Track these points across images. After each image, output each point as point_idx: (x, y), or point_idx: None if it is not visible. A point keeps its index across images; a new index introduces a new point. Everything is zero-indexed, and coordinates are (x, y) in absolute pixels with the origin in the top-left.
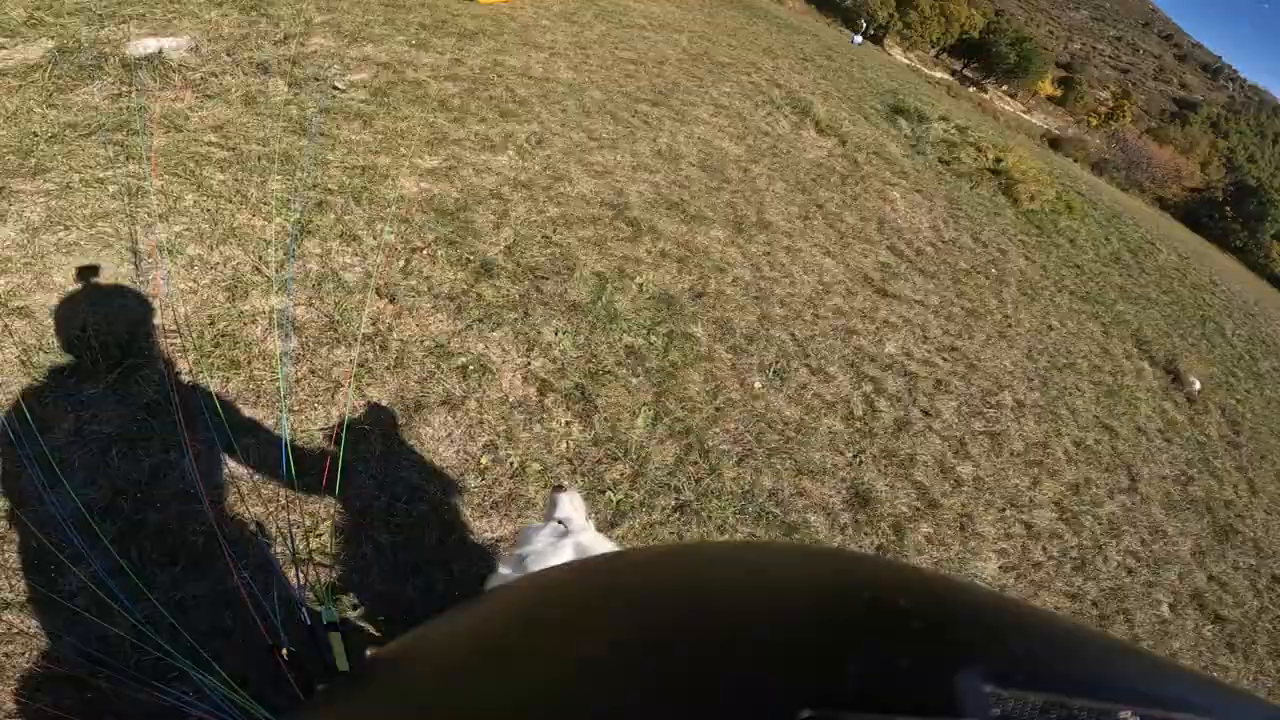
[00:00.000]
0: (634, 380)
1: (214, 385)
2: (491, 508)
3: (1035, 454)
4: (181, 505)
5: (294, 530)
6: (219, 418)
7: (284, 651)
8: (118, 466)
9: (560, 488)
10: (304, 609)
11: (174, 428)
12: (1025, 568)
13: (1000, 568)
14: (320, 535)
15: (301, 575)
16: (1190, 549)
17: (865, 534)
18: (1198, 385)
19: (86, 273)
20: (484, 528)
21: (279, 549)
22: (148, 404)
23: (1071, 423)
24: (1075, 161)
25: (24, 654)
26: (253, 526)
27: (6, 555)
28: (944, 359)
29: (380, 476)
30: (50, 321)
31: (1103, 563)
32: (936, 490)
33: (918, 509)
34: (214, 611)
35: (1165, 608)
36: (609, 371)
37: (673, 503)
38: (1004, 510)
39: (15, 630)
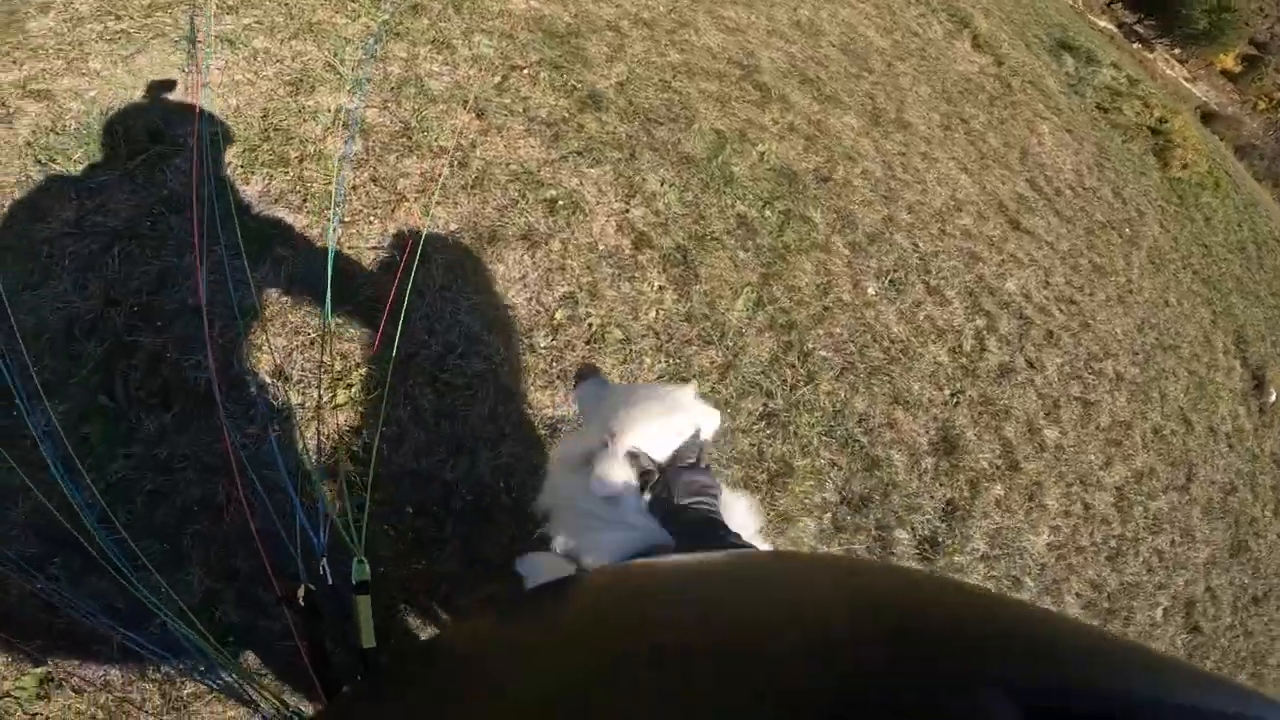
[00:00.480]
0: (741, 254)
1: (254, 183)
2: (559, 377)
3: (1118, 433)
4: (186, 328)
5: (321, 375)
6: (251, 219)
7: (299, 594)
8: (117, 269)
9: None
10: (324, 559)
11: (192, 228)
12: (1069, 550)
13: (1047, 545)
14: (350, 386)
15: (328, 490)
16: (1205, 558)
17: (940, 484)
18: (1274, 397)
19: (128, 59)
20: (544, 402)
21: (297, 405)
22: (168, 197)
23: (1159, 408)
24: (1222, 141)
25: None
26: (267, 374)
27: None
28: (1061, 310)
29: (434, 317)
30: (73, 105)
31: (1133, 557)
32: (1020, 451)
33: (998, 468)
34: (204, 484)
35: (1160, 611)
36: (716, 238)
37: (760, 408)
38: (1071, 485)
39: None
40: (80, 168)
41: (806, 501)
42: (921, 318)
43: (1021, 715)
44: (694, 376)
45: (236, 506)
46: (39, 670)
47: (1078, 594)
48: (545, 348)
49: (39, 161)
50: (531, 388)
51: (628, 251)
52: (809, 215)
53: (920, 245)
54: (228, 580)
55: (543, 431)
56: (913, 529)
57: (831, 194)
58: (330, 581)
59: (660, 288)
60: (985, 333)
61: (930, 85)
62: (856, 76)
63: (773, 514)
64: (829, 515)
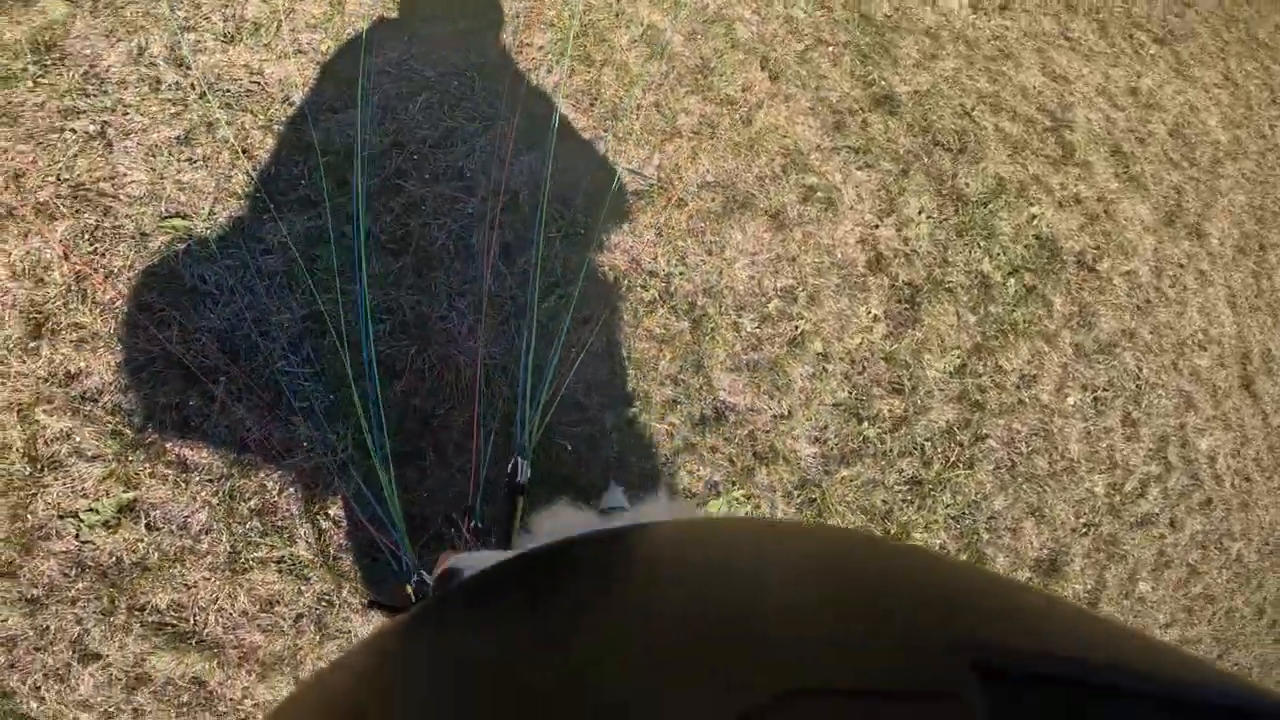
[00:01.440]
0: (968, 316)
1: (555, 73)
2: (748, 366)
3: (1199, 603)
4: (448, 187)
5: (537, 276)
6: (540, 105)
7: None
8: (414, 115)
9: None
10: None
11: (491, 99)
12: None
13: None
14: (564, 297)
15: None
16: None
17: None
18: None
19: None
20: (723, 382)
21: (512, 296)
22: (483, 65)
23: (1250, 593)
24: None
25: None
26: (496, 254)
27: (221, 169)
28: (1233, 484)
29: (662, 259)
30: None
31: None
32: (1107, 594)
33: (1078, 601)
34: (399, 339)
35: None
36: (950, 289)
37: (912, 473)
38: None
39: (169, 252)
40: (420, 17)
41: None
42: (1103, 445)
43: (979, 677)
44: (865, 419)
45: (415, 376)
46: (128, 495)
47: None
48: (749, 332)
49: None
50: (720, 365)
51: (860, 269)
52: (1050, 299)
53: (1144, 372)
54: (366, 454)
55: (709, 413)
56: None
57: (1085, 284)
58: (518, 478)
59: (875, 318)
60: (1152, 482)
61: (1248, 195)
62: (1174, 165)
63: None
64: None
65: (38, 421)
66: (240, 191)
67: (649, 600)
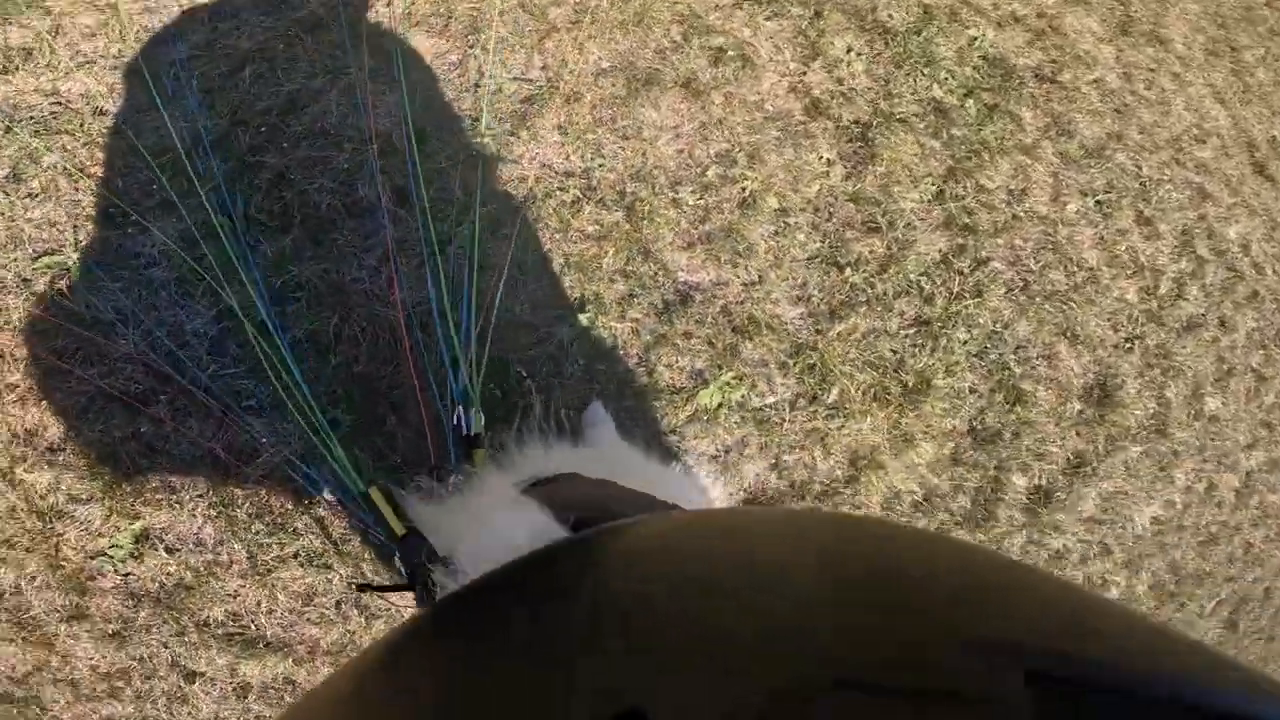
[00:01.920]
0: (930, 142)
1: (395, 3)
2: (701, 240)
3: (1276, 415)
4: (312, 149)
5: (452, 209)
6: (389, 41)
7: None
8: (247, 89)
9: None
10: (459, 408)
11: (330, 49)
12: (1169, 528)
13: (1152, 519)
14: (475, 222)
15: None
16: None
17: (1078, 434)
18: None
19: None
20: (680, 264)
21: (421, 236)
22: (304, 19)
23: None
24: None
25: (97, 325)
26: (392, 204)
27: (63, 196)
28: (1275, 270)
29: (576, 157)
30: None
31: (1224, 546)
32: (1174, 417)
33: (1145, 429)
34: (315, 317)
35: (1213, 603)
36: (903, 120)
37: (915, 313)
38: (1207, 462)
39: (57, 289)
40: None
41: (933, 425)
42: (1122, 248)
43: (1023, 681)
44: (846, 264)
45: (349, 344)
46: (136, 526)
47: (1153, 573)
48: (692, 205)
49: None
50: (669, 246)
51: (798, 117)
52: (1018, 114)
53: (1144, 170)
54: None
55: (672, 298)
56: (1031, 476)
57: (1051, 96)
58: (466, 431)
59: (829, 161)
60: (1188, 279)
61: (1201, 4)
62: None
63: (894, 432)
64: (952, 445)
65: (24, 481)
66: (95, 213)
67: (669, 615)
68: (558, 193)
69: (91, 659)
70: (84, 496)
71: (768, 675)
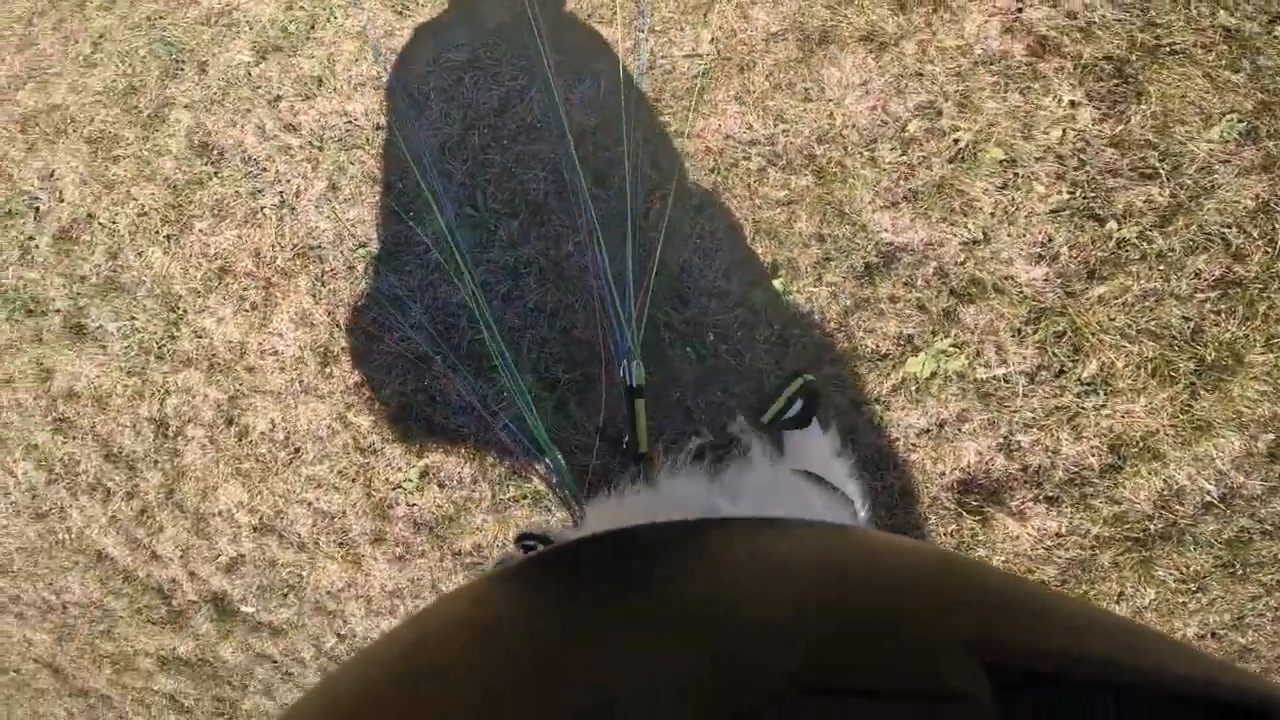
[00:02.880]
0: (1227, 74)
1: (567, 3)
2: (906, 198)
3: None
4: (524, 143)
5: (637, 186)
6: (572, 36)
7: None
8: (469, 96)
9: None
10: (624, 362)
11: (524, 51)
12: None
13: None
14: (666, 196)
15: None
16: None
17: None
18: None
19: None
20: (881, 223)
21: (615, 215)
22: (497, 28)
23: None
24: None
25: (396, 301)
26: (590, 184)
27: (366, 198)
28: None
29: (755, 125)
30: None
31: None
32: None
33: None
34: (541, 290)
35: None
36: (1180, 52)
37: (1218, 272)
38: None
39: (370, 273)
40: (426, 10)
41: (1243, 411)
42: None
43: (982, 670)
44: (1109, 217)
45: (568, 312)
46: (421, 464)
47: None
48: (892, 162)
49: (397, 12)
50: (869, 207)
51: (1020, 58)
52: None
53: None
54: (550, 389)
55: (875, 260)
56: None
57: None
58: (631, 383)
59: (1072, 104)
60: None
61: None
62: None
63: (1182, 418)
64: (1268, 438)
65: (353, 423)
66: (389, 209)
67: (665, 597)
68: (742, 162)
69: (382, 579)
70: (390, 437)
71: (736, 678)
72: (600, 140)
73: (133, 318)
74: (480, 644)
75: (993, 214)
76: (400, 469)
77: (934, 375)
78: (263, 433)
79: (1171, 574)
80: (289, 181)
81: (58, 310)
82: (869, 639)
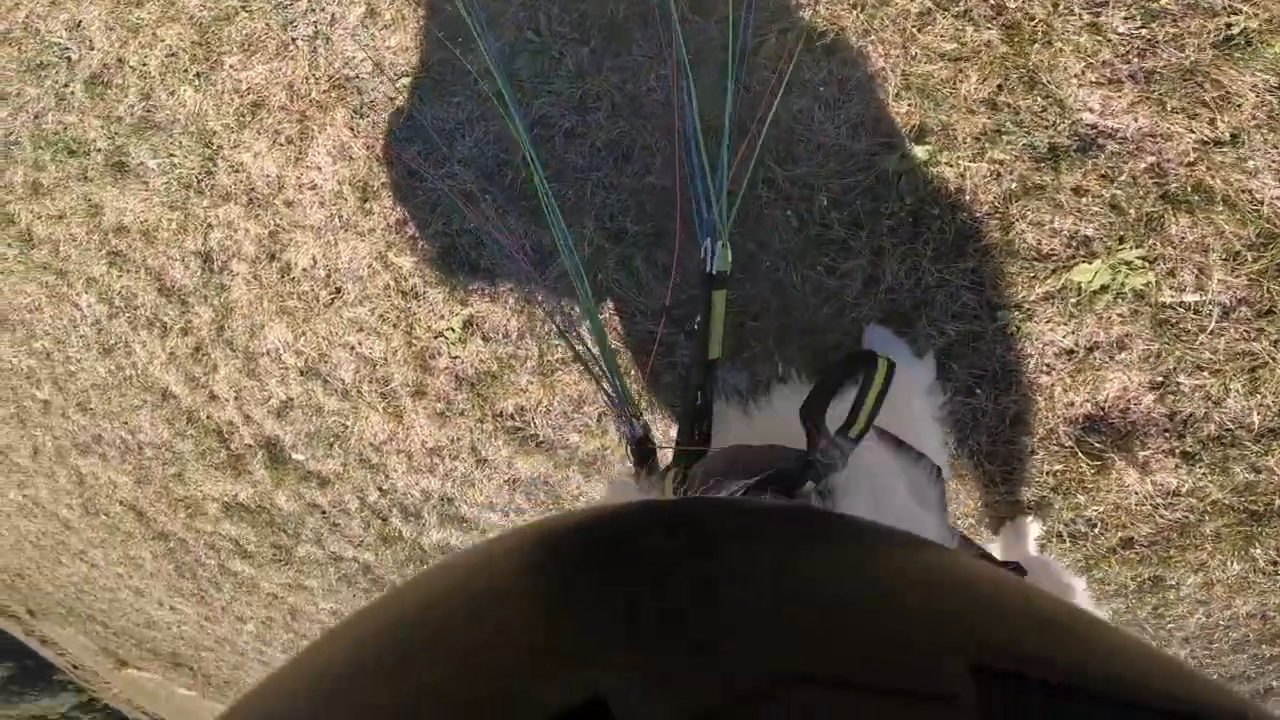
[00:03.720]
0: None
1: None
2: (1134, 77)
3: None
4: None
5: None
6: None
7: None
8: None
9: None
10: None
11: None
12: None
13: None
14: (786, 28)
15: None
16: None
17: None
18: None
19: None
20: (1087, 101)
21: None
22: None
23: None
24: None
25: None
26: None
27: (408, 24)
28: None
29: None
30: None
31: None
32: None
33: None
34: (613, 128)
35: None
36: None
37: None
38: None
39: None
40: None
41: None
42: None
43: (970, 674)
44: None
45: (644, 155)
46: (465, 312)
47: None
48: (1123, 33)
49: None
50: (1075, 79)
51: None
52: None
53: None
54: (614, 241)
55: (1066, 141)
56: None
57: None
58: (711, 269)
59: None
60: None
61: None
62: None
63: None
64: None
65: (394, 264)
66: (435, 37)
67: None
68: (899, 1)
69: (423, 435)
70: (432, 281)
71: (731, 671)
72: None
73: (170, 154)
74: (481, 621)
75: (1254, 115)
76: (443, 316)
77: (1104, 289)
78: (304, 269)
79: (1268, 554)
80: (323, 9)
81: (99, 150)
82: (852, 633)
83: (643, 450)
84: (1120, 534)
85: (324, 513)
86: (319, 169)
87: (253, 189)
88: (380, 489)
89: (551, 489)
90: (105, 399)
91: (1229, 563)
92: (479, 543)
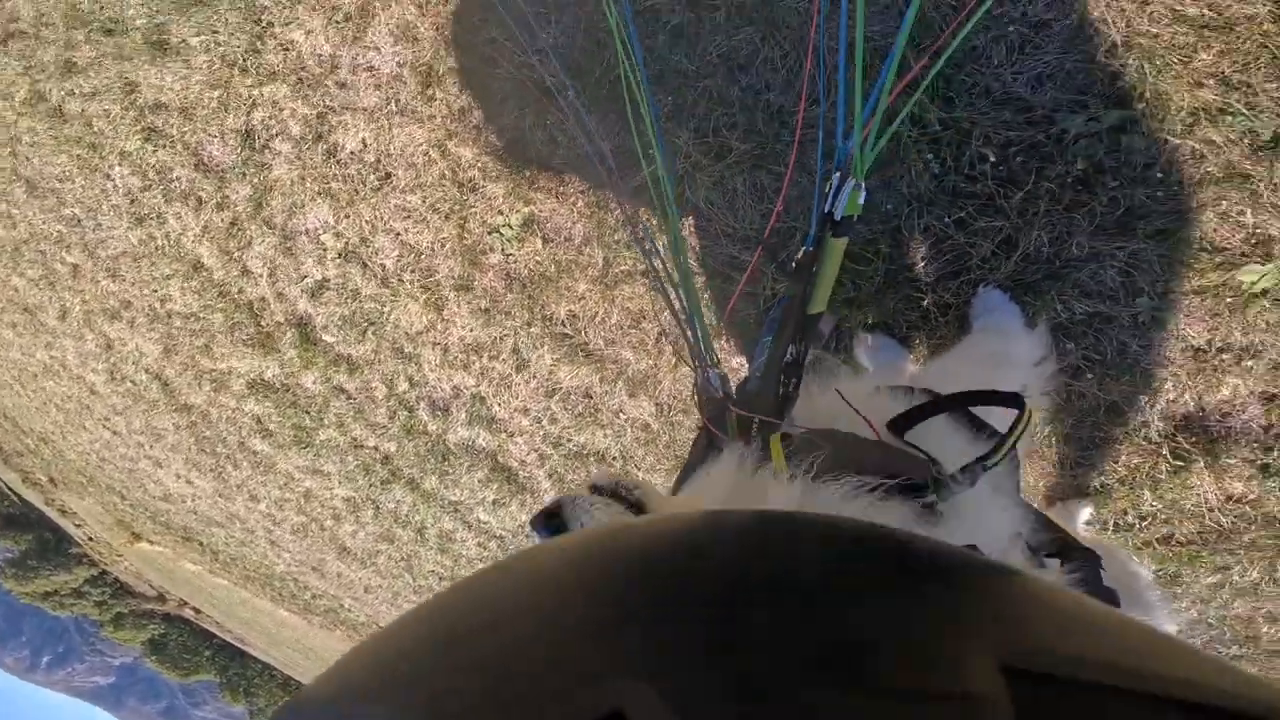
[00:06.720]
0: None
1: None
2: None
3: None
4: None
5: None
6: None
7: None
8: None
9: None
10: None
11: None
12: None
13: None
14: None
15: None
16: None
17: None
18: None
19: None
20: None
21: None
22: None
23: None
24: None
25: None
26: None
27: None
28: None
29: None
30: None
31: None
32: None
33: None
34: (738, 28)
35: None
36: None
37: None
38: None
39: None
40: None
41: None
42: None
43: (999, 672)
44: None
45: (765, 68)
46: (525, 210)
47: None
48: None
49: None
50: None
51: None
52: None
53: None
54: (715, 158)
55: (1271, 103)
56: None
57: None
58: (833, 211)
59: None
60: None
61: None
62: None
63: None
64: None
65: (453, 153)
66: None
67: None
68: None
69: (462, 330)
70: (494, 174)
71: (750, 680)
72: None
73: (214, 31)
74: (524, 629)
75: None
76: (502, 212)
77: (1264, 294)
78: (352, 152)
79: None
80: None
81: (137, 28)
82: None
83: (718, 408)
84: (1164, 529)
85: (350, 398)
86: (378, 49)
87: (302, 68)
88: (410, 380)
89: (592, 402)
90: (135, 267)
91: (1250, 570)
92: (539, 545)
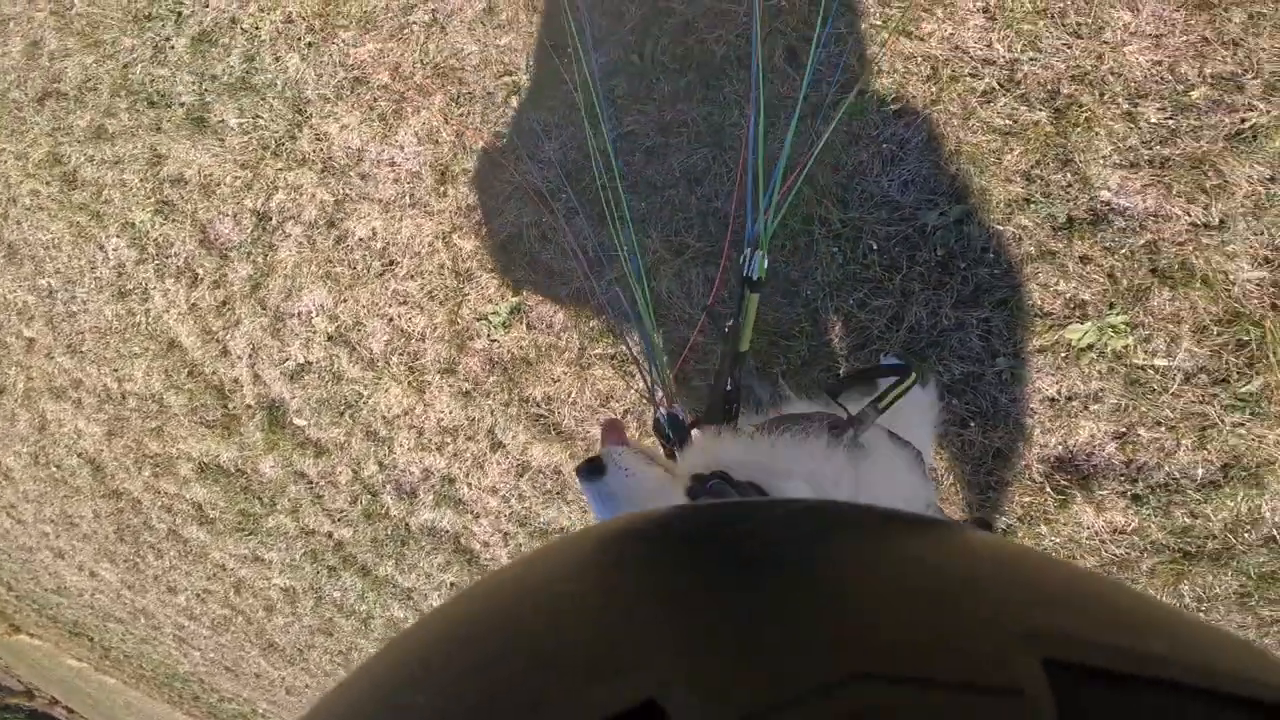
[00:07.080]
0: None
1: None
2: (1152, 163)
3: None
4: (718, 1)
5: (839, 71)
6: None
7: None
8: None
9: None
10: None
11: None
12: None
13: None
14: (864, 92)
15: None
16: None
17: None
18: None
19: None
20: (1107, 180)
21: (803, 98)
22: None
23: None
24: None
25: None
26: (781, 60)
27: (521, 27)
28: None
29: (989, 46)
30: None
31: None
32: None
33: None
34: (691, 153)
35: None
36: None
37: None
38: None
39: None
40: None
41: None
42: None
43: (1041, 667)
44: None
45: (714, 181)
46: (514, 299)
47: None
48: (1154, 123)
49: None
50: (1100, 161)
51: None
52: None
53: None
54: (676, 253)
55: (1081, 215)
56: None
57: None
58: (750, 274)
59: None
60: None
61: None
62: None
63: None
64: None
65: (456, 245)
66: (541, 44)
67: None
68: (968, 78)
69: (440, 412)
70: (489, 266)
71: (784, 669)
72: (806, 13)
73: (257, 116)
74: (545, 624)
75: (1243, 203)
76: (492, 300)
77: (1090, 348)
78: (361, 239)
79: (1194, 591)
80: None
81: (182, 104)
82: (921, 628)
83: (678, 429)
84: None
85: (310, 483)
86: (402, 148)
87: (330, 157)
88: (380, 463)
89: (561, 478)
90: (102, 343)
91: (1159, 596)
92: (550, 542)
